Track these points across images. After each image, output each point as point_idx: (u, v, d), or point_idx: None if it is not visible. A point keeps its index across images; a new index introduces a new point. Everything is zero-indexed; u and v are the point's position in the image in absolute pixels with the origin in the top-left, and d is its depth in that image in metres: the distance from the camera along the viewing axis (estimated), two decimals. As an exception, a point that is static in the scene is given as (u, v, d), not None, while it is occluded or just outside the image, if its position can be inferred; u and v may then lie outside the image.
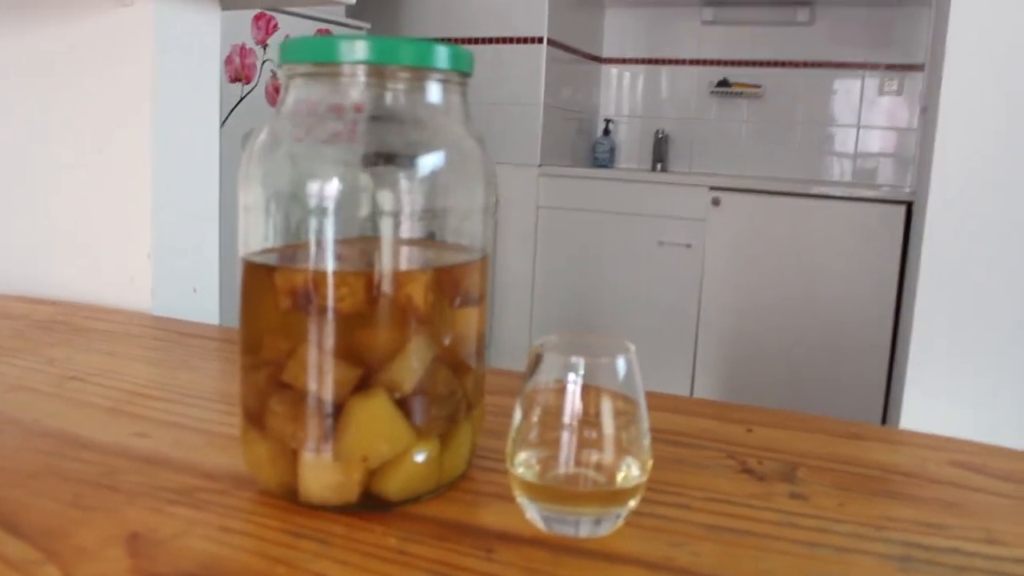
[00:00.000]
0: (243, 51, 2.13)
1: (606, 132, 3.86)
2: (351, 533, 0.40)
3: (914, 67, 3.36)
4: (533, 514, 0.41)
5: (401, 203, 0.41)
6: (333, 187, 0.40)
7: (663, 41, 3.78)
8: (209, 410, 0.57)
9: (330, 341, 0.40)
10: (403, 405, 0.41)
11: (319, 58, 0.41)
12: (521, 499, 0.41)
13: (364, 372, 0.40)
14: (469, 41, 3.32)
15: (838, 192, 2.91)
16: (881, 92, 3.44)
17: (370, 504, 0.42)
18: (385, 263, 0.41)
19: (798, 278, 2.97)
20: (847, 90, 3.51)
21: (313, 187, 0.40)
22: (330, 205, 0.40)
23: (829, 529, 0.44)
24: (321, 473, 0.41)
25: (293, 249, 0.42)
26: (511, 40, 3.28)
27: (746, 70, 3.66)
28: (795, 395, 2.95)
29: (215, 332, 0.79)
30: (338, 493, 0.41)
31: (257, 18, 2.14)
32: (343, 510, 0.42)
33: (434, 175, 0.41)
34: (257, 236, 0.43)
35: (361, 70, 0.41)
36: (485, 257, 0.45)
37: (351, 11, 2.57)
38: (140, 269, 0.89)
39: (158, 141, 0.87)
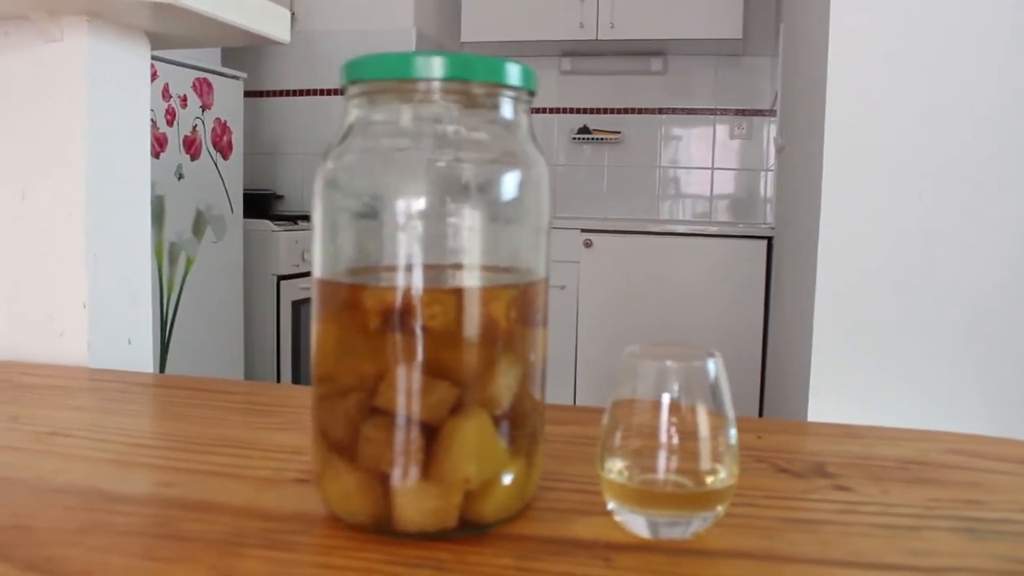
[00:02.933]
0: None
1: (471, 179, 3.91)
2: (462, 558, 0.38)
3: (761, 112, 3.62)
4: (634, 520, 0.41)
5: (482, 222, 0.40)
6: (418, 205, 0.40)
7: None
8: (220, 455, 0.53)
9: (424, 361, 0.39)
10: (498, 424, 0.40)
11: (395, 75, 0.41)
12: (619, 506, 0.41)
13: (461, 392, 0.39)
14: (335, 92, 3.30)
15: (705, 230, 3.07)
16: (732, 136, 3.68)
17: (466, 529, 0.40)
18: (470, 281, 0.40)
19: (670, 311, 3.10)
20: (700, 135, 3.73)
21: (399, 206, 0.40)
22: (416, 224, 0.39)
23: (888, 512, 0.46)
24: (419, 499, 0.39)
25: (371, 270, 0.41)
26: (380, 91, 3.28)
27: (605, 117, 3.83)
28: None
29: (177, 382, 0.74)
30: (437, 519, 0.40)
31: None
32: (440, 536, 0.40)
33: (513, 193, 0.41)
34: (333, 257, 0.41)
35: (437, 86, 0.41)
36: (547, 277, 0.45)
37: (225, 60, 2.50)
38: (73, 322, 0.82)
39: (92, 184, 0.82)
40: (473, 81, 0.41)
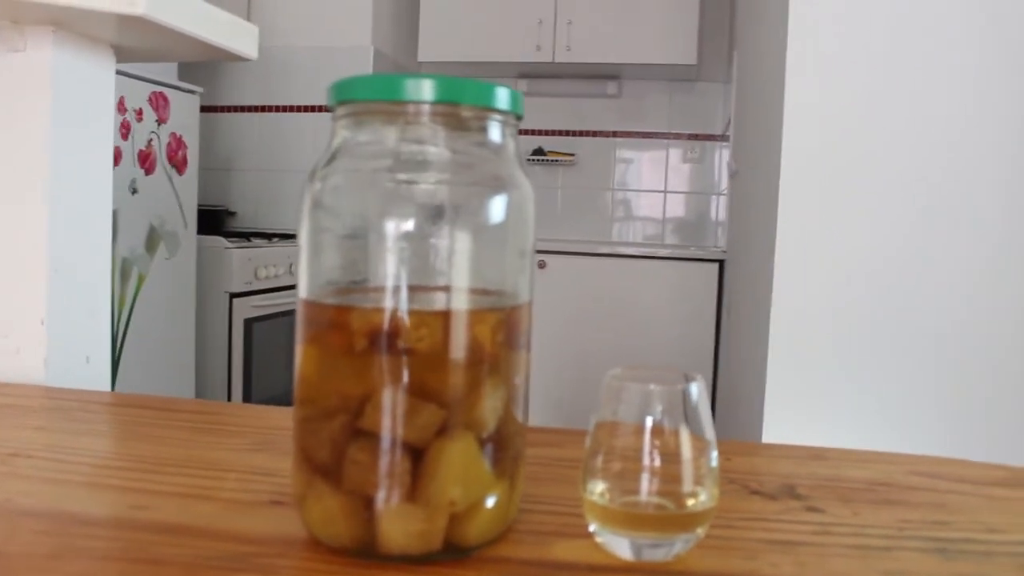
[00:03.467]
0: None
1: (426, 199, 3.90)
2: (448, 580, 0.38)
3: (713, 137, 3.69)
4: (617, 542, 0.41)
5: (469, 245, 0.41)
6: (405, 227, 0.40)
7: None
8: (190, 477, 0.52)
9: (410, 383, 0.39)
10: (483, 447, 0.40)
11: (385, 96, 0.41)
12: (601, 528, 0.42)
13: (447, 414, 0.39)
14: (296, 109, 3.28)
15: (658, 252, 3.11)
16: (684, 160, 3.74)
17: (449, 552, 0.40)
18: (457, 303, 0.40)
19: (624, 332, 3.12)
20: (653, 158, 3.78)
21: (386, 227, 0.40)
22: (403, 246, 0.39)
23: (861, 533, 0.47)
24: (405, 522, 0.39)
25: (357, 291, 0.41)
26: (337, 107, 3.27)
27: (560, 139, 3.86)
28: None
29: (138, 401, 0.72)
30: (422, 542, 0.39)
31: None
32: (424, 560, 0.40)
33: (500, 216, 0.42)
34: (315, 277, 0.41)
35: (427, 109, 0.41)
36: (531, 300, 0.45)
37: (183, 74, 2.47)
38: (30, 338, 0.80)
39: (54, 197, 0.80)
40: (462, 104, 0.41)
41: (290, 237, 3.01)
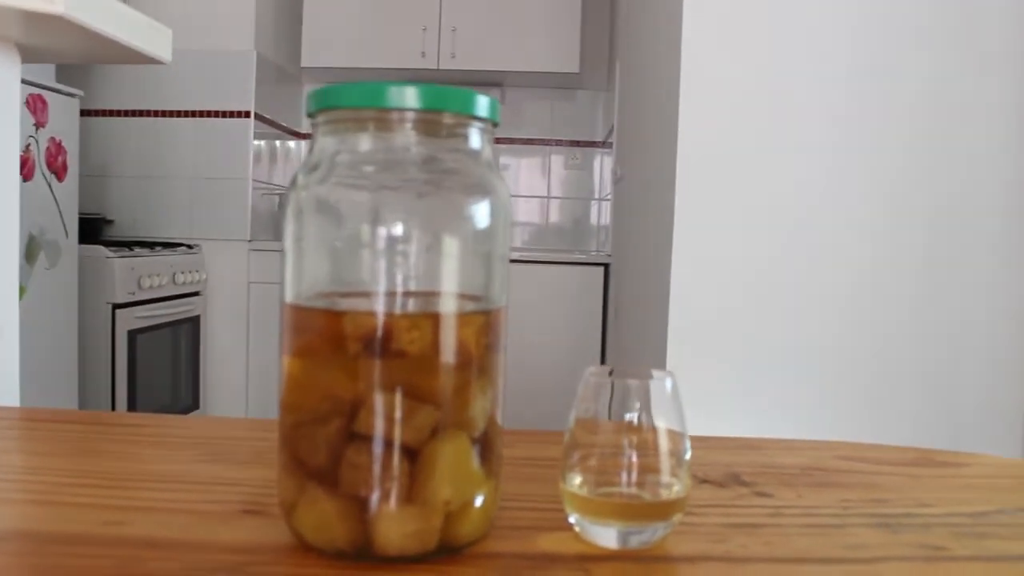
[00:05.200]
0: None
1: (311, 206, 3.83)
2: (449, 578, 0.39)
3: (594, 143, 3.79)
4: (601, 532, 0.43)
5: (453, 249, 0.42)
6: (392, 232, 0.40)
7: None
8: (157, 491, 0.51)
9: (403, 385, 0.40)
10: (473, 446, 0.41)
11: (368, 103, 0.41)
12: (584, 519, 0.43)
13: (441, 415, 0.40)
14: (176, 114, 3.16)
15: (543, 256, 3.17)
16: (566, 166, 3.82)
17: (443, 551, 0.41)
18: (444, 307, 0.41)
19: (513, 333, 3.16)
20: (536, 164, 3.85)
21: (372, 233, 0.40)
22: (389, 250, 0.40)
23: (811, 513, 0.51)
24: (402, 522, 0.40)
25: (343, 296, 0.41)
26: (218, 114, 3.17)
27: (446, 145, 3.87)
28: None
29: (70, 416, 0.69)
30: (418, 541, 0.40)
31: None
32: (420, 559, 0.41)
33: (484, 221, 0.43)
34: (303, 282, 0.41)
35: (411, 116, 0.42)
36: (507, 305, 0.47)
37: (61, 76, 2.33)
38: (-69, 357, 0.75)
39: (-44, 207, 0.75)
40: (445, 111, 0.42)
41: (173, 246, 2.89)
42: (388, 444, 0.39)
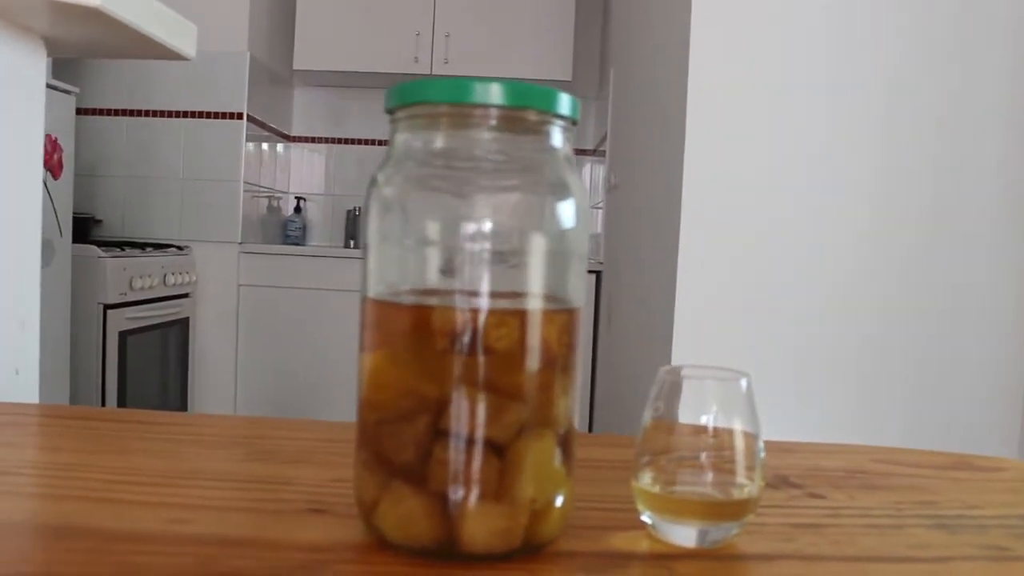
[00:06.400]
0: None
1: (297, 210, 3.82)
2: None
3: (585, 151, 3.81)
4: (677, 530, 0.43)
5: (538, 246, 0.42)
6: (478, 228, 0.40)
7: (351, 121, 3.87)
8: (210, 489, 0.50)
9: (491, 382, 0.40)
10: (557, 445, 0.42)
11: (450, 99, 0.41)
12: (659, 518, 0.44)
13: (528, 413, 0.40)
14: (167, 114, 3.13)
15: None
16: (557, 173, 3.83)
17: (526, 549, 0.41)
18: (532, 304, 0.41)
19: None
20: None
21: (457, 230, 0.40)
22: (473, 248, 0.40)
23: (869, 514, 0.51)
24: (489, 520, 0.40)
25: (428, 292, 0.41)
26: (210, 115, 3.15)
27: (435, 151, 3.86)
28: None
29: (100, 414, 0.68)
30: (504, 540, 0.40)
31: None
32: (504, 558, 0.41)
33: (568, 221, 0.43)
34: (386, 279, 0.41)
35: (494, 113, 0.42)
36: (584, 304, 0.46)
37: (57, 73, 2.30)
38: (-43, 353, 0.74)
39: (-15, 201, 0.74)
40: (529, 108, 0.42)
41: (164, 247, 2.87)
42: (477, 441, 0.39)
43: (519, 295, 0.41)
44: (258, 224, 3.46)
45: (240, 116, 3.15)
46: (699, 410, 0.44)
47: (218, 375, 3.21)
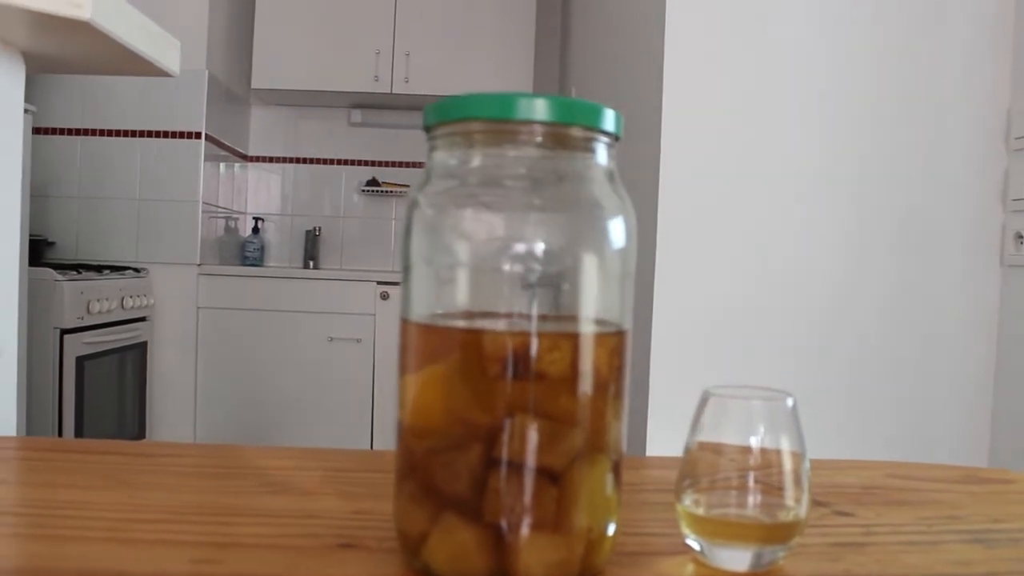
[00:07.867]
0: None
1: (255, 230, 3.75)
2: (595, 606, 0.38)
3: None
4: (728, 555, 0.42)
5: (591, 267, 0.41)
6: (527, 249, 0.39)
7: (309, 140, 3.83)
8: (236, 525, 0.48)
9: (544, 408, 0.38)
10: (610, 472, 0.40)
11: (493, 115, 0.40)
12: (708, 542, 0.43)
13: (583, 439, 0.39)
14: (123, 133, 3.06)
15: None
16: (518, 191, 3.83)
17: (579, 578, 0.40)
18: (583, 328, 0.40)
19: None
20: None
21: (505, 250, 0.39)
22: (524, 269, 0.39)
23: (900, 531, 0.51)
24: (546, 551, 0.38)
25: (474, 316, 0.40)
26: (167, 134, 3.08)
27: (395, 170, 3.85)
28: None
29: (88, 447, 0.65)
30: (562, 570, 0.39)
31: None
32: (558, 588, 0.39)
33: (620, 241, 0.41)
34: (430, 302, 0.40)
35: (539, 129, 0.41)
36: (632, 327, 0.45)
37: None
38: (-66, 385, 0.70)
39: (-35, 224, 0.71)
40: (574, 124, 0.41)
41: (121, 269, 2.79)
42: (533, 470, 0.38)
43: (569, 318, 0.40)
44: (215, 245, 3.40)
45: (199, 135, 3.09)
46: (747, 431, 0.43)
47: (177, 400, 3.13)
